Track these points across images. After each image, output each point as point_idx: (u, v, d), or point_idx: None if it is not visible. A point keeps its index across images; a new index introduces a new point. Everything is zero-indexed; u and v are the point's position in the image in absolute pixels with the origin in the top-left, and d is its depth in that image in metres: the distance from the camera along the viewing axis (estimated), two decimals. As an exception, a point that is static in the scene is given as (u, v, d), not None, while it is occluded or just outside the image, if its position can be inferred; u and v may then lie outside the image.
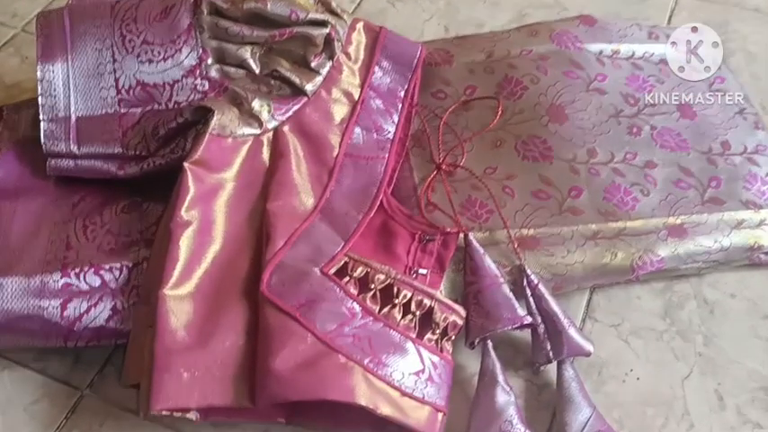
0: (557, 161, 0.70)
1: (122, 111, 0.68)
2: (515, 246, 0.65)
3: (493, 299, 0.62)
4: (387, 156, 0.69)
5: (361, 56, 0.73)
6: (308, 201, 0.65)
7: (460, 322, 0.61)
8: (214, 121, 0.63)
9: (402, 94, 0.73)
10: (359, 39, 0.74)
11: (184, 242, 0.60)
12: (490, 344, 0.62)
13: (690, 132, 0.73)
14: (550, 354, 0.62)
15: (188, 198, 0.61)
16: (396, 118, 0.72)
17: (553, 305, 0.62)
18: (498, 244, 0.66)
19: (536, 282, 0.63)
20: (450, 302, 0.61)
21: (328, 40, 0.70)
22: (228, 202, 0.64)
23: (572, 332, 0.62)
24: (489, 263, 0.63)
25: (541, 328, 0.62)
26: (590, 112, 0.73)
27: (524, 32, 0.80)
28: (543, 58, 0.77)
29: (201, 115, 0.64)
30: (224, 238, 0.62)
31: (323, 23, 0.69)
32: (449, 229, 0.65)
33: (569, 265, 0.65)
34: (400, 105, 0.73)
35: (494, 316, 0.61)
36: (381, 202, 0.66)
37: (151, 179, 0.67)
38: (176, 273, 0.59)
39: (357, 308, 0.58)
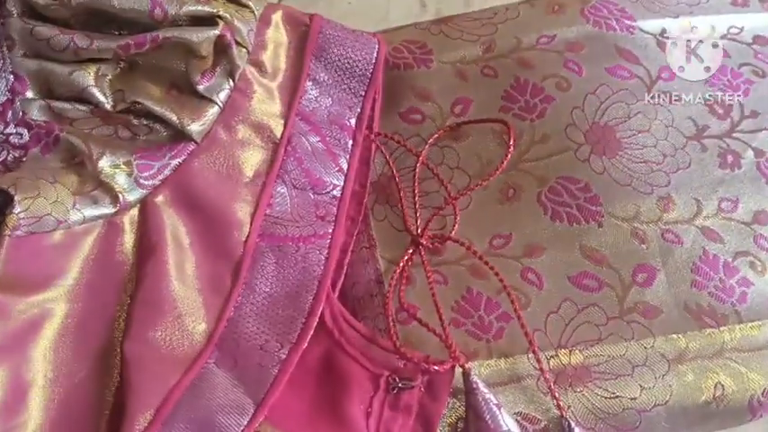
0: (609, 221, 0.43)
1: None
2: (551, 384, 0.38)
3: (518, 489, 0.35)
4: (331, 232, 0.42)
5: (283, 66, 0.46)
6: (197, 327, 0.38)
7: None
8: (17, 214, 0.36)
9: (353, 121, 0.46)
10: (277, 38, 0.46)
11: None
12: None
13: (818, 157, 0.46)
14: None
15: None
16: (344, 163, 0.45)
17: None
18: (521, 380, 0.39)
19: (591, 449, 0.37)
20: None
21: (222, 47, 0.42)
22: (57, 345, 0.37)
23: None
24: (508, 423, 0.37)
25: None
26: (656, 134, 0.46)
27: (541, 7, 0.51)
28: (574, 47, 0.49)
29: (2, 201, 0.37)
30: (48, 411, 0.36)
31: (209, 20, 0.41)
32: (436, 366, 0.38)
33: (645, 411, 0.38)
34: (350, 141, 0.46)
35: None
36: (322, 316, 0.40)
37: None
38: None
39: None
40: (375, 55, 0.46)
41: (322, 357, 0.39)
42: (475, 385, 0.37)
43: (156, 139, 0.42)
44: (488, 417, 0.37)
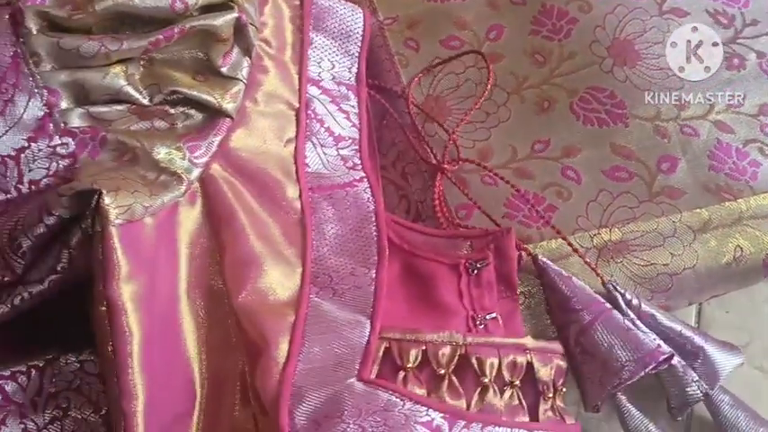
0: (634, 122, 0.49)
1: None
2: (586, 259, 0.45)
3: (605, 337, 0.42)
4: (365, 176, 0.47)
5: (289, 39, 0.49)
6: (289, 273, 0.43)
7: (564, 363, 0.43)
8: (110, 205, 0.37)
9: (353, 79, 0.50)
10: (276, 12, 0.49)
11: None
12: (623, 399, 0.44)
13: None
14: (704, 385, 0.43)
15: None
16: (354, 118, 0.49)
17: (670, 322, 0.44)
18: (570, 257, 0.46)
19: (637, 301, 0.44)
20: (544, 344, 0.43)
21: (239, 28, 0.44)
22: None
23: (712, 348, 0.44)
24: (580, 285, 0.44)
25: (676, 359, 0.43)
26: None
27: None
28: (591, -26, 0.55)
29: (84, 203, 0.38)
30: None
31: (225, 5, 0.43)
32: (494, 228, 0.46)
33: (676, 274, 0.45)
34: (355, 98, 0.50)
35: (613, 362, 0.42)
36: (389, 238, 0.45)
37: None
38: None
39: (437, 417, 0.38)
40: (362, 18, 0.50)
41: (402, 268, 0.45)
42: (544, 264, 0.44)
43: (192, 123, 0.44)
44: (563, 286, 0.43)
